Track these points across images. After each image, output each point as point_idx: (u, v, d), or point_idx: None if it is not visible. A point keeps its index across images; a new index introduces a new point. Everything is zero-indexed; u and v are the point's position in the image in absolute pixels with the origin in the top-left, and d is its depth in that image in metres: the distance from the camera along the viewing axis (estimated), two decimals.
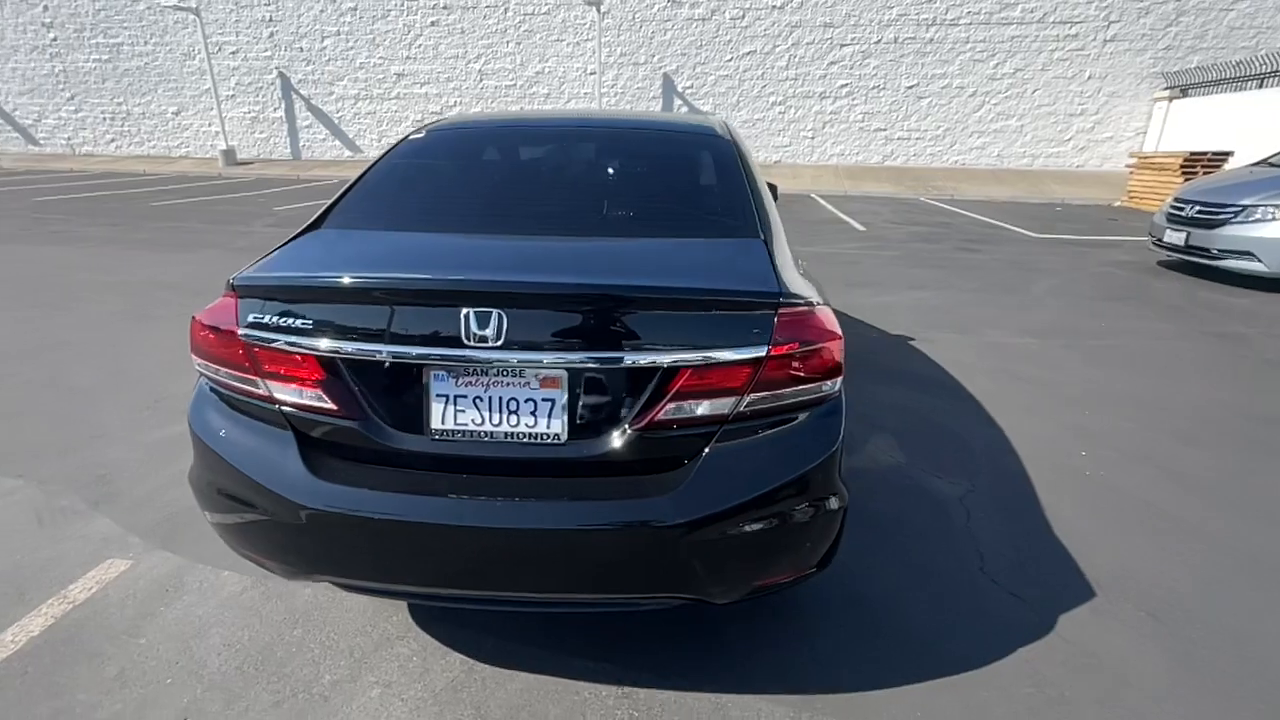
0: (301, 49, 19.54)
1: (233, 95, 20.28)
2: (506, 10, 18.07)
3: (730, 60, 17.52)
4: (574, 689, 1.69)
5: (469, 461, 1.42)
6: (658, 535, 1.32)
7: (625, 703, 1.65)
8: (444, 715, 1.60)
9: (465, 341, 1.33)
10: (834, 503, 1.46)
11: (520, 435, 1.39)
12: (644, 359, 1.34)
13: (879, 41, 16.90)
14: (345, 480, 1.40)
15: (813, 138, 17.97)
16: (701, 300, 1.36)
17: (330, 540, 1.41)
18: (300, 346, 1.39)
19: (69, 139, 21.64)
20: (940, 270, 6.95)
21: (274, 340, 1.41)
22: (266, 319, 1.42)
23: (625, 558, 1.37)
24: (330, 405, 1.42)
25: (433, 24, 18.62)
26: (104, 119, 21.23)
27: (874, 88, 17.31)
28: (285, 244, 1.71)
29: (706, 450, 1.38)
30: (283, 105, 20.23)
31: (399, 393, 1.42)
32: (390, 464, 1.44)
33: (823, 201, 13.30)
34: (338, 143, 20.21)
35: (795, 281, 1.52)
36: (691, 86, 17.90)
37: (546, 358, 1.35)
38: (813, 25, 16.99)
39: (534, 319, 1.35)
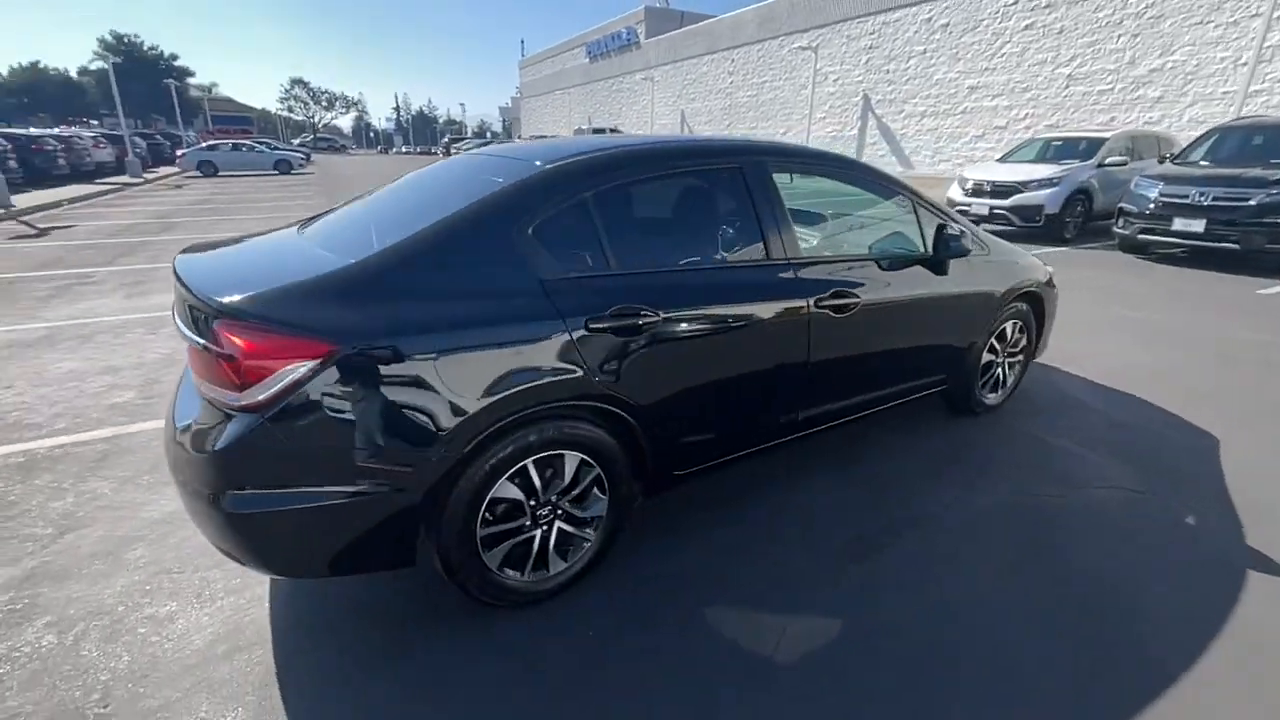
0: (887, 71, 20.67)
1: (823, 118, 23.42)
2: None
3: None
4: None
5: None
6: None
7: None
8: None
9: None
10: (225, 503, 1.51)
11: None
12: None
13: None
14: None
15: None
16: (202, 302, 1.58)
17: None
18: None
19: None
20: None
21: None
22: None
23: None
24: None
25: (1026, 27, 16.52)
26: None
27: None
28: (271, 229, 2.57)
29: None
30: (858, 125, 22.08)
31: None
32: None
33: None
34: (893, 159, 20.75)
35: (304, 303, 1.54)
36: None
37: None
38: None
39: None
